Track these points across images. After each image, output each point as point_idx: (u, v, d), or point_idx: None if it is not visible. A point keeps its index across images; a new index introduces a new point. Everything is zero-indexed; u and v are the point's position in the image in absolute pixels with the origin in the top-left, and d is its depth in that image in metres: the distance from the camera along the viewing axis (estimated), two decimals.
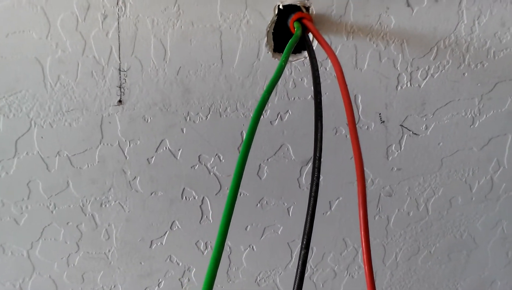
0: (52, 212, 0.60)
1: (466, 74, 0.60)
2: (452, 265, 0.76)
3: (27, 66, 0.51)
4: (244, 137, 0.39)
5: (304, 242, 0.39)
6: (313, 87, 0.46)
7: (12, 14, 0.48)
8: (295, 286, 0.38)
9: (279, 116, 0.59)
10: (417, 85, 0.60)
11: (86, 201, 0.61)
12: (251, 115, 0.57)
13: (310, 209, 0.40)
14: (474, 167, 0.67)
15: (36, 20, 0.49)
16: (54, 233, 0.62)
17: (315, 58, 0.48)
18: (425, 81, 0.60)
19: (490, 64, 0.60)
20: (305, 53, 0.56)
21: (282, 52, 0.55)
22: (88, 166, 0.58)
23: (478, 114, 0.63)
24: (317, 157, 0.42)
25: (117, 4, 0.50)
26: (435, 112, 0.62)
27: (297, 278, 0.38)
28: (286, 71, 0.57)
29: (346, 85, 0.45)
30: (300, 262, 0.38)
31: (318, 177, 0.41)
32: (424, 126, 0.63)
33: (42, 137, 0.55)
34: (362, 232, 0.40)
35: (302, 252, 0.39)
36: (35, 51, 0.50)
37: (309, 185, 0.63)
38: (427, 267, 0.76)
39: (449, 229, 0.73)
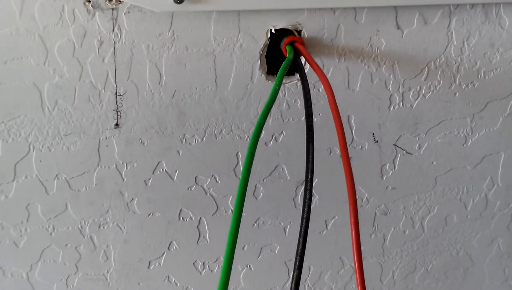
0: (51, 234, 0.61)
1: (457, 94, 0.61)
2: (449, 282, 0.77)
3: (26, 91, 0.52)
4: (244, 161, 0.40)
5: (297, 263, 0.39)
6: (305, 110, 0.46)
7: (11, 42, 0.50)
8: None
9: (273, 137, 0.60)
10: (409, 105, 0.61)
11: (85, 223, 0.61)
12: (246, 136, 0.58)
13: (303, 230, 0.41)
14: (468, 185, 0.68)
15: (33, 47, 0.50)
16: (53, 255, 0.63)
17: (306, 81, 0.49)
18: (417, 101, 0.61)
19: (480, 84, 0.61)
20: (298, 76, 0.58)
21: (275, 75, 0.57)
22: (86, 188, 0.59)
23: (470, 133, 0.64)
24: (308, 179, 0.43)
25: (113, 30, 0.51)
26: (428, 131, 0.63)
27: None
28: (280, 93, 0.58)
29: (337, 109, 0.45)
30: (293, 283, 0.39)
31: (310, 199, 0.42)
32: (417, 145, 0.64)
33: (40, 161, 0.56)
34: (355, 252, 0.40)
35: (295, 273, 0.39)
36: (33, 77, 0.52)
37: None
38: (425, 285, 0.76)
39: (445, 247, 0.73)
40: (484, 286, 0.78)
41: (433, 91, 0.60)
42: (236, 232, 0.37)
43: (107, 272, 0.66)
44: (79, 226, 0.62)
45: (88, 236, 0.62)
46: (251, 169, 0.40)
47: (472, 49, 0.59)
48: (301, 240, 0.40)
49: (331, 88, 0.46)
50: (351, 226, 0.40)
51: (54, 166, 0.57)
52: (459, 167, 0.66)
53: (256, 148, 0.42)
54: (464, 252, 0.74)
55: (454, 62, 0.59)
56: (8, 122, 0.53)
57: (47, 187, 0.58)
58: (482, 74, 0.60)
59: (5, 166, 0.56)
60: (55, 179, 0.58)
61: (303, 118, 0.59)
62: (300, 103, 0.58)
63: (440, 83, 0.60)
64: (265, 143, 0.60)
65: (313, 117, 0.46)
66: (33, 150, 0.55)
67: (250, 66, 0.55)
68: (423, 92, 0.60)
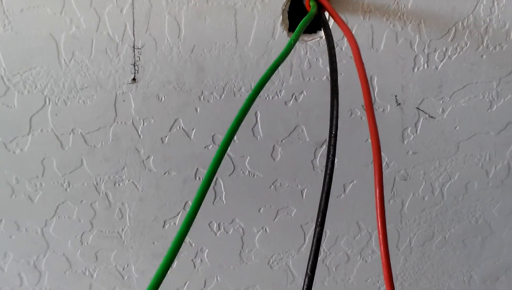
0: (66, 190, 0.61)
1: (484, 56, 0.59)
2: (467, 251, 0.76)
3: (42, 42, 0.51)
4: (236, 116, 0.38)
5: (319, 220, 0.39)
6: (329, 64, 0.45)
7: None
8: (310, 264, 0.37)
9: (293, 96, 0.59)
10: (434, 67, 0.59)
11: (100, 180, 0.61)
12: (266, 95, 0.56)
13: (326, 186, 0.40)
14: (491, 151, 0.66)
15: None
16: (68, 211, 0.63)
17: (331, 36, 0.47)
18: (442, 63, 0.59)
19: (509, 46, 0.59)
20: (321, 33, 0.56)
21: None
22: (102, 144, 0.58)
23: (496, 98, 0.62)
24: (332, 135, 0.42)
25: None
26: (452, 95, 0.61)
27: (312, 256, 0.37)
28: (301, 50, 0.56)
29: (362, 63, 0.44)
30: (315, 239, 0.38)
31: (334, 155, 0.41)
32: (440, 109, 0.62)
33: (56, 114, 0.55)
34: (378, 211, 0.39)
35: (317, 229, 0.38)
36: (50, 27, 0.50)
37: (323, 167, 0.63)
38: (442, 253, 0.75)
39: (464, 215, 0.72)
40: (502, 256, 0.77)
41: (459, 52, 0.58)
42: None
43: (122, 230, 0.66)
44: (95, 183, 0.61)
45: (104, 193, 0.62)
46: (240, 124, 0.39)
47: (502, 9, 0.56)
48: (323, 196, 0.39)
49: (356, 42, 0.45)
50: (375, 185, 0.39)
51: (70, 120, 0.56)
52: (482, 133, 0.65)
53: (253, 102, 0.40)
54: (483, 220, 0.73)
55: (482, 23, 0.57)
56: (24, 73, 0.52)
57: (62, 141, 0.57)
58: (511, 36, 0.58)
59: (20, 118, 0.55)
60: (70, 133, 0.57)
61: (325, 77, 0.57)
62: (322, 62, 0.57)
63: (467, 45, 0.58)
64: (285, 102, 0.59)
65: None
66: (49, 103, 0.55)
67: (272, 22, 0.54)
68: (449, 54, 0.58)
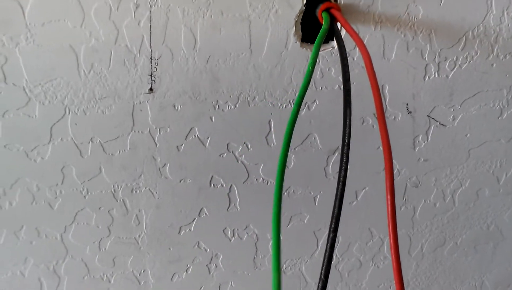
0: (85, 197, 0.62)
1: (494, 65, 0.60)
2: (478, 257, 0.76)
3: (62, 54, 0.53)
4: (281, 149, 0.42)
5: (333, 226, 0.40)
6: (342, 74, 0.46)
7: (48, 3, 0.50)
8: (323, 269, 0.39)
9: (306, 105, 0.60)
10: (445, 75, 0.60)
11: (118, 187, 0.62)
12: (279, 104, 0.58)
13: (339, 193, 0.41)
14: (502, 159, 0.67)
15: (70, 9, 0.50)
16: (87, 217, 0.64)
17: (343, 46, 0.49)
18: (453, 72, 0.60)
19: None
20: (333, 43, 0.57)
21: (310, 42, 0.56)
22: (119, 152, 0.60)
23: (506, 106, 0.63)
24: (345, 143, 0.43)
25: None
26: (463, 103, 0.62)
27: (325, 261, 0.38)
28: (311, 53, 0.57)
29: (374, 72, 0.45)
30: (329, 245, 0.39)
31: (347, 163, 0.42)
32: (451, 117, 0.63)
33: (76, 124, 0.57)
34: (390, 217, 0.40)
35: (331, 235, 0.40)
36: (70, 40, 0.52)
37: (336, 174, 0.64)
38: (453, 259, 0.76)
39: (475, 221, 0.72)
40: None
41: (470, 61, 0.59)
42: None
43: (139, 236, 0.67)
44: (112, 190, 0.62)
45: (121, 200, 0.63)
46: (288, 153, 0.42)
47: (511, 18, 0.57)
48: (337, 203, 0.40)
49: (368, 52, 0.46)
50: (386, 191, 0.41)
51: (89, 130, 0.58)
52: (493, 140, 0.65)
53: (292, 132, 0.43)
54: (495, 227, 0.73)
55: (492, 32, 0.58)
56: (45, 84, 0.54)
57: (81, 150, 0.59)
58: None
59: (41, 128, 0.57)
60: (89, 142, 0.58)
61: (337, 86, 0.59)
62: (334, 72, 0.58)
63: (477, 54, 0.59)
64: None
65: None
66: (69, 113, 0.56)
67: (285, 33, 0.55)
68: (460, 63, 0.59)
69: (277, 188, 0.41)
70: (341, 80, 0.58)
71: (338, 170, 0.64)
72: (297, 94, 0.49)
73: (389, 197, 0.41)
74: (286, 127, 0.43)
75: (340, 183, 0.40)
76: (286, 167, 0.63)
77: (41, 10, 0.50)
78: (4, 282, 0.68)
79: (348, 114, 0.43)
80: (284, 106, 0.59)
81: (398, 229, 0.71)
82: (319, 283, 0.38)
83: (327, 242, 0.39)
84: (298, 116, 0.60)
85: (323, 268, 0.38)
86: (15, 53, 0.52)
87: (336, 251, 0.72)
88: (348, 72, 0.46)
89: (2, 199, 0.61)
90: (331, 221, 0.39)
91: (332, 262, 0.73)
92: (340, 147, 0.63)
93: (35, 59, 0.52)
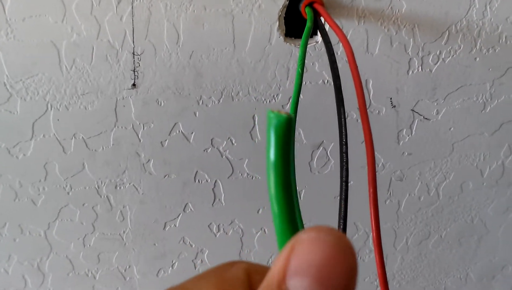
0: (68, 193, 0.62)
1: (477, 59, 0.60)
2: (463, 249, 0.77)
3: (43, 49, 0.52)
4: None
5: (341, 226, 0.41)
6: (332, 72, 0.46)
7: None
8: None
9: (290, 100, 0.60)
10: (428, 70, 0.60)
11: (101, 183, 0.62)
12: (263, 98, 0.58)
13: (343, 194, 0.42)
14: (485, 152, 0.68)
15: (52, 4, 0.50)
16: (70, 214, 0.64)
17: (330, 42, 0.48)
18: (436, 66, 0.60)
19: (502, 49, 0.60)
20: (317, 38, 0.57)
21: (294, 37, 0.56)
22: (103, 148, 0.59)
23: (489, 99, 0.63)
24: (344, 143, 0.43)
25: None
26: (446, 97, 0.62)
27: None
28: (298, 55, 0.57)
29: (357, 68, 0.45)
30: None
31: (347, 162, 0.42)
32: (435, 111, 0.63)
33: (58, 120, 0.56)
34: (372, 209, 0.41)
35: None
36: (51, 35, 0.51)
37: (320, 169, 0.64)
38: (438, 252, 0.76)
39: (460, 214, 0.73)
40: (498, 254, 0.78)
41: (453, 55, 0.60)
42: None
43: (123, 232, 0.67)
44: (96, 186, 0.62)
45: (105, 196, 0.63)
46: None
47: (494, 12, 0.57)
48: (343, 203, 0.41)
49: (351, 47, 0.46)
50: (368, 184, 0.41)
51: (72, 126, 0.57)
52: (476, 134, 0.66)
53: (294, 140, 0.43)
54: (479, 220, 0.74)
55: (475, 26, 0.58)
56: (26, 80, 0.54)
57: (64, 146, 0.58)
58: (504, 39, 0.59)
59: (23, 124, 0.56)
60: (72, 138, 0.58)
61: (321, 81, 0.59)
62: (318, 66, 0.58)
63: (460, 48, 0.59)
64: (282, 106, 0.60)
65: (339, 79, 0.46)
66: (51, 109, 0.56)
67: (269, 27, 0.55)
68: (443, 57, 0.59)
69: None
70: (325, 75, 0.58)
71: (322, 165, 0.64)
72: (291, 101, 0.49)
73: (371, 190, 0.41)
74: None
75: (343, 183, 0.41)
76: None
77: (21, 5, 0.50)
78: None
79: (343, 112, 0.44)
80: (268, 101, 0.59)
81: (383, 223, 0.72)
82: None
83: None
84: (282, 110, 0.60)
85: None
86: None
87: None
88: (337, 68, 0.46)
89: None
90: (339, 221, 0.40)
91: None
92: (332, 145, 0.63)
93: (16, 55, 0.52)
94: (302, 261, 0.17)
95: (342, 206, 0.41)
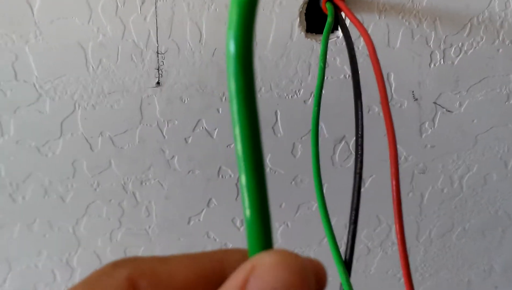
0: (95, 190, 0.63)
1: (500, 50, 0.60)
2: (487, 241, 0.77)
3: (71, 50, 0.53)
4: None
5: (353, 218, 0.41)
6: (350, 66, 0.47)
7: (56, 1, 0.50)
8: (347, 257, 0.40)
9: (312, 95, 0.60)
10: (450, 62, 0.60)
11: (127, 180, 0.63)
12: (285, 94, 0.58)
13: (356, 185, 0.42)
14: (510, 143, 0.67)
15: (78, 6, 0.51)
16: (98, 210, 0.65)
17: (350, 37, 0.49)
18: (458, 58, 0.60)
19: None
20: (338, 33, 0.57)
21: (315, 32, 0.57)
22: (129, 145, 0.61)
23: None
24: (359, 135, 0.44)
25: None
26: (469, 89, 0.62)
27: (348, 250, 0.40)
28: (319, 51, 0.58)
29: (378, 61, 0.45)
30: (350, 236, 0.41)
31: (362, 155, 0.43)
32: (458, 103, 0.63)
33: (85, 119, 0.58)
34: (395, 203, 0.41)
35: (352, 227, 0.41)
36: (78, 36, 0.53)
37: (343, 163, 0.65)
38: (462, 244, 0.77)
39: (484, 206, 0.73)
40: None
41: (475, 47, 0.59)
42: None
43: (149, 227, 0.68)
44: (122, 183, 0.63)
45: (131, 192, 0.64)
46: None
47: None
48: (355, 195, 0.41)
49: (372, 41, 0.46)
50: (391, 177, 0.41)
51: (98, 124, 0.58)
52: (500, 125, 0.66)
53: (318, 135, 0.45)
54: (503, 211, 0.74)
55: (498, 18, 0.58)
56: (55, 80, 0.55)
57: (92, 144, 0.60)
58: None
59: (52, 123, 0.57)
60: (99, 136, 0.59)
61: (342, 76, 0.59)
62: (340, 61, 0.58)
63: (482, 39, 0.59)
64: (304, 101, 0.60)
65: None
66: (79, 108, 0.57)
67: (290, 24, 0.55)
68: (465, 49, 0.59)
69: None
70: (346, 70, 0.58)
71: (344, 159, 0.65)
72: (314, 94, 0.49)
73: (394, 182, 0.42)
74: (311, 132, 0.45)
75: (357, 175, 0.42)
76: (293, 157, 0.64)
77: (49, 8, 0.51)
78: (18, 274, 0.69)
79: (360, 106, 0.44)
80: (290, 96, 0.59)
81: (406, 216, 0.72)
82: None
83: (348, 234, 0.40)
84: (304, 106, 0.60)
85: (347, 256, 0.40)
86: (25, 50, 0.53)
87: (344, 238, 0.73)
88: (356, 63, 0.46)
89: (16, 193, 0.62)
90: (351, 213, 0.41)
91: (340, 249, 0.73)
92: (351, 140, 0.64)
93: (44, 56, 0.53)
94: (261, 283, 0.17)
95: (355, 197, 0.42)
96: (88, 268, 0.71)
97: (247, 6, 0.17)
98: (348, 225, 0.42)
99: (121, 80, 0.56)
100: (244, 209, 0.18)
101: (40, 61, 0.53)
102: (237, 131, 0.18)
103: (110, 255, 0.70)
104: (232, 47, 0.17)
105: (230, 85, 0.18)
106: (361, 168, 0.42)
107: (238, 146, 0.18)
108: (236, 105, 0.18)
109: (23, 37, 0.52)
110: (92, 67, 0.54)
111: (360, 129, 0.44)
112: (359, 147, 0.43)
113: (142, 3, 0.52)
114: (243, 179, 0.18)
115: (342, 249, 0.41)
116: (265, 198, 0.18)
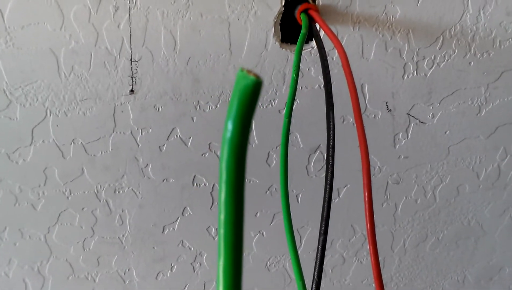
0: (67, 198, 0.63)
1: (472, 63, 0.61)
2: (460, 252, 0.77)
3: (42, 57, 0.53)
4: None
5: (323, 228, 0.41)
6: (323, 76, 0.47)
7: (27, 7, 0.50)
8: (316, 270, 0.40)
9: (286, 104, 0.60)
10: (423, 74, 0.61)
11: (101, 188, 0.63)
12: (259, 104, 0.58)
13: (327, 196, 0.42)
14: (481, 155, 0.68)
15: (50, 12, 0.51)
16: (70, 218, 0.65)
17: (323, 48, 0.49)
18: (431, 70, 0.60)
19: (496, 53, 0.60)
20: (312, 43, 0.58)
21: (289, 42, 0.57)
22: (101, 153, 0.60)
23: (484, 103, 0.64)
24: (330, 146, 0.44)
25: None
26: (442, 100, 0.63)
27: (317, 262, 0.40)
28: (293, 61, 0.58)
29: (351, 74, 0.46)
30: (320, 247, 0.40)
31: (333, 165, 0.43)
32: (430, 115, 0.64)
33: (57, 126, 0.57)
34: (367, 213, 0.41)
35: (321, 237, 0.41)
36: (50, 43, 0.52)
37: (317, 172, 0.65)
38: (435, 254, 0.77)
39: (457, 216, 0.74)
40: (495, 256, 0.79)
41: (448, 60, 0.60)
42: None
43: (123, 236, 0.67)
44: (95, 190, 0.63)
45: (104, 200, 0.64)
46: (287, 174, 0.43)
47: (488, 17, 0.58)
48: (325, 205, 0.41)
49: (345, 53, 0.46)
50: (363, 188, 0.41)
51: (71, 131, 0.58)
52: (472, 137, 0.66)
53: (287, 145, 0.44)
54: (475, 222, 0.74)
55: (469, 31, 0.59)
56: (26, 86, 0.54)
57: (63, 151, 0.59)
58: (498, 44, 0.60)
59: (22, 130, 0.57)
60: (71, 143, 0.59)
61: (317, 86, 0.59)
62: (314, 71, 0.59)
63: (455, 52, 0.60)
64: (278, 110, 0.60)
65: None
66: (50, 115, 0.56)
67: (265, 34, 0.55)
68: (438, 61, 0.60)
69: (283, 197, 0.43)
70: (321, 80, 0.59)
71: (319, 169, 0.65)
72: (285, 105, 0.49)
73: (366, 193, 0.42)
74: (280, 141, 0.44)
75: (328, 186, 0.41)
76: (268, 166, 0.64)
77: (20, 13, 0.50)
78: None
79: (331, 117, 0.44)
80: (264, 106, 0.60)
81: (380, 226, 0.72)
82: (312, 283, 0.40)
83: (318, 244, 0.40)
84: (279, 115, 0.60)
85: (316, 269, 0.40)
86: None
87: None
88: (329, 74, 0.47)
89: None
90: (321, 224, 0.41)
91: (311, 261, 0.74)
92: (325, 150, 0.64)
93: (15, 62, 0.53)
94: None
95: (325, 208, 0.42)
96: (60, 277, 0.70)
97: (249, 99, 0.17)
98: (319, 234, 0.42)
99: (94, 87, 0.55)
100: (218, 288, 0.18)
101: (10, 67, 0.53)
102: (222, 217, 0.18)
103: (83, 264, 0.69)
104: (229, 133, 0.17)
105: (221, 171, 0.18)
106: (331, 178, 0.42)
107: (221, 231, 0.18)
108: (224, 194, 0.18)
109: None
110: (64, 73, 0.54)
111: (331, 140, 0.44)
112: (330, 158, 0.43)
113: (116, 10, 0.51)
114: (221, 262, 0.18)
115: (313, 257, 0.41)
116: (239, 281, 0.18)
